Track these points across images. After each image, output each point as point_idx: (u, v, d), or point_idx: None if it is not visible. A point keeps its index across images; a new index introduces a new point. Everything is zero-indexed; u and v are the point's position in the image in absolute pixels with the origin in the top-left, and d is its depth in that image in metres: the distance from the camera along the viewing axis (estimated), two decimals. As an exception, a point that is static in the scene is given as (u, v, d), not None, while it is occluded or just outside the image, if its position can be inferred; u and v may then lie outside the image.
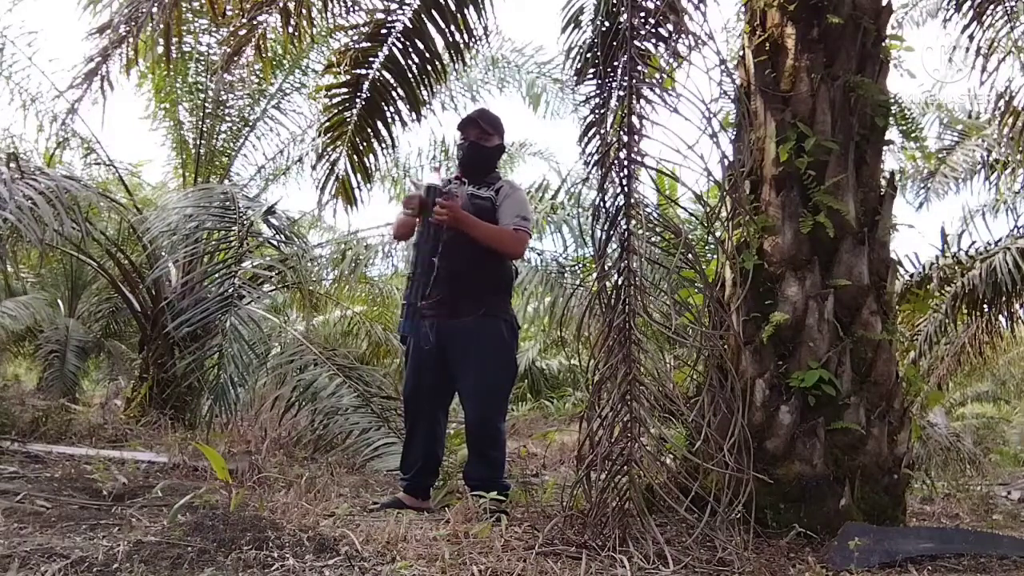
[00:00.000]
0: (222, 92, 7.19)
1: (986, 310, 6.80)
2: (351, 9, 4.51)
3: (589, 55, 3.61)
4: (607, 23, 3.15)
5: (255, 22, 4.29)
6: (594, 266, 2.97)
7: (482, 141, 3.40)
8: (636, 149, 2.76)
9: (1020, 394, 16.00)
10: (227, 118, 7.45)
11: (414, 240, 3.34)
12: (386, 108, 4.55)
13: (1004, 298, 6.49)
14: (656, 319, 2.78)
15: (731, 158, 3.12)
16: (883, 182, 3.38)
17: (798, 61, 3.34)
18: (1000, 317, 7.01)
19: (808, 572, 2.43)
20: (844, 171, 3.21)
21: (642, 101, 2.79)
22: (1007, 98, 4.76)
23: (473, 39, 4.41)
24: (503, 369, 3.29)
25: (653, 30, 3.08)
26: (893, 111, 6.84)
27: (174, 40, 4.41)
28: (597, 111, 3.11)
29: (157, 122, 7.36)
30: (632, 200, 2.74)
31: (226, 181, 7.41)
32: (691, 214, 5.38)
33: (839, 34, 3.32)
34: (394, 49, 4.40)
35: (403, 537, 2.41)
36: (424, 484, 3.36)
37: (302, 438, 5.27)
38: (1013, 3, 4.50)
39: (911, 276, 6.86)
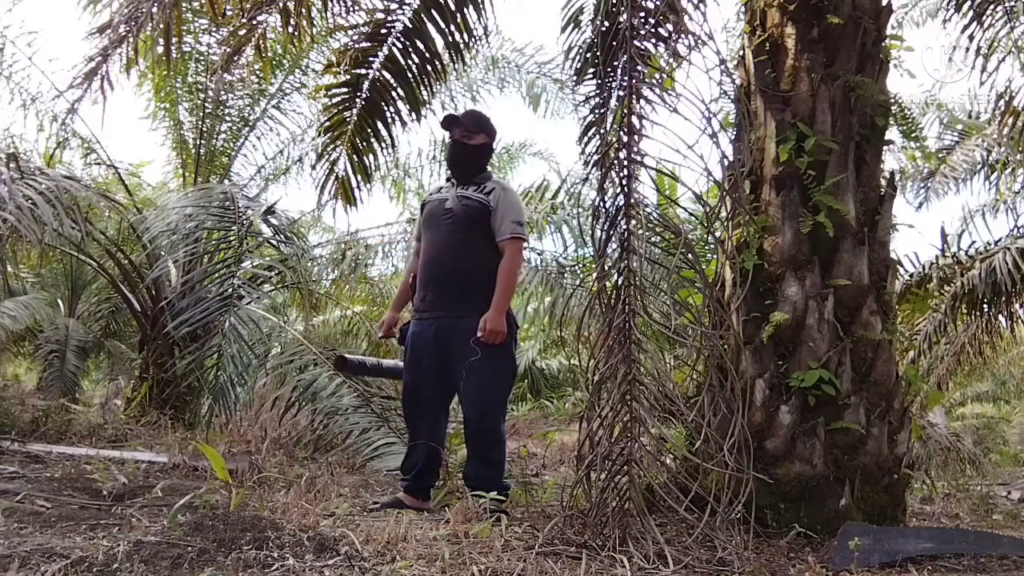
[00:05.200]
0: (222, 92, 7.17)
1: (986, 310, 6.80)
2: (351, 9, 4.51)
3: (589, 55, 3.62)
4: (607, 23, 3.15)
5: (255, 22, 4.29)
6: (594, 266, 2.96)
7: (465, 139, 3.40)
8: (636, 149, 2.76)
9: (1020, 394, 16.00)
10: (227, 118, 7.44)
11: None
12: (386, 108, 4.55)
13: (1004, 298, 6.50)
14: (656, 319, 2.78)
15: (731, 158, 3.12)
16: (883, 182, 3.38)
17: (798, 61, 3.34)
18: (1000, 317, 7.01)
19: (808, 572, 2.43)
20: (844, 171, 3.21)
21: (642, 101, 2.79)
22: (1007, 98, 4.77)
23: (473, 39, 4.41)
24: (503, 369, 3.29)
25: (653, 30, 3.08)
26: (893, 111, 6.86)
27: (174, 40, 4.41)
28: (597, 111, 3.11)
29: (157, 122, 7.36)
30: (632, 200, 2.74)
31: (226, 181, 7.40)
32: (691, 214, 5.38)
33: (839, 34, 3.32)
34: (394, 49, 4.41)
35: (403, 537, 2.41)
36: (424, 484, 3.36)
37: (302, 438, 5.27)
38: (1013, 3, 4.51)
39: (911, 276, 6.87)
